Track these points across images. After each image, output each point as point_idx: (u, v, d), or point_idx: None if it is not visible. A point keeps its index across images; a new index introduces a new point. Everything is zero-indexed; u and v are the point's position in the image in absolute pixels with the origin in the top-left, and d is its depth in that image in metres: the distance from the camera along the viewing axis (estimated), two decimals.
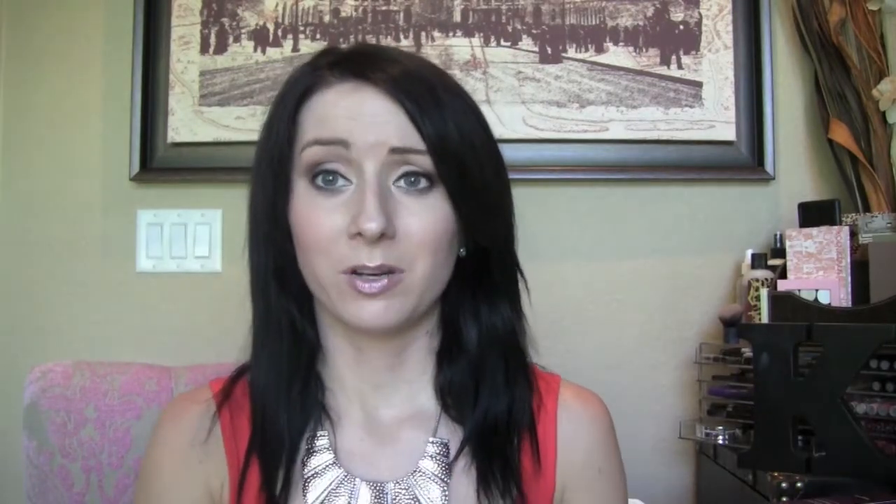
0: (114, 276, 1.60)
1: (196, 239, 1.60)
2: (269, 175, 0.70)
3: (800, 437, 1.09)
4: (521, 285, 0.76)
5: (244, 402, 0.74)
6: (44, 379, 1.00)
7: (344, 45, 0.73)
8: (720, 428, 1.33)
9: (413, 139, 0.66)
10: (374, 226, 0.63)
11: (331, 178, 0.67)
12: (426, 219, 0.67)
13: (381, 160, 0.66)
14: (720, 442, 1.33)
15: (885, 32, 1.50)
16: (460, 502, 0.71)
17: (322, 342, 0.74)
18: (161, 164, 1.59)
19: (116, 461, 0.99)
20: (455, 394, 0.74)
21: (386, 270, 0.65)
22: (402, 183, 0.67)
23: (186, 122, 1.58)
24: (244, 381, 0.75)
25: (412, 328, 0.73)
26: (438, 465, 0.72)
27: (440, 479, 0.71)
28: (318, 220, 0.66)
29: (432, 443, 0.73)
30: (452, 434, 0.73)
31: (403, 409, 0.74)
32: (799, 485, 1.05)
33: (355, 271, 0.65)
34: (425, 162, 0.66)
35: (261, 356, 0.73)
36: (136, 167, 1.58)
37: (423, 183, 0.67)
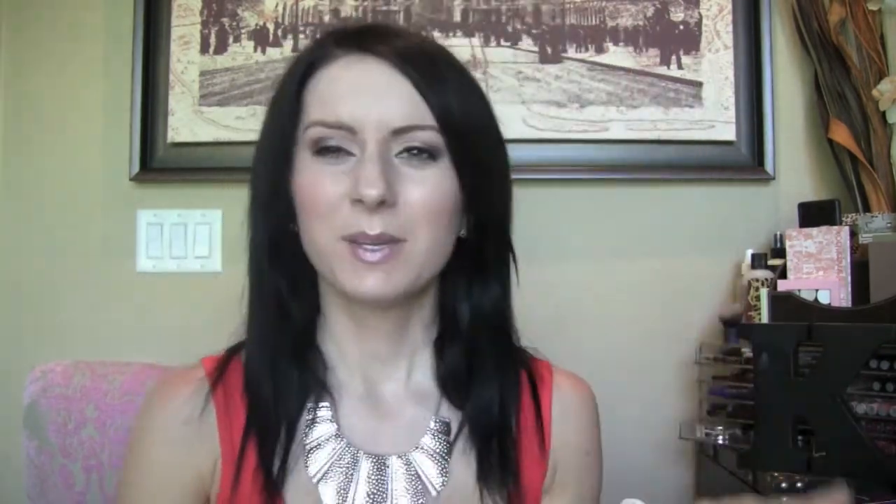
0: (114, 276, 1.60)
1: (196, 239, 1.60)
2: (274, 149, 0.71)
3: (800, 437, 1.08)
4: (512, 268, 0.78)
5: (238, 379, 0.74)
6: (44, 379, 1.00)
7: (351, 24, 0.75)
8: (720, 428, 1.33)
9: (416, 114, 0.67)
10: (375, 192, 0.64)
11: (335, 150, 0.68)
12: (427, 188, 0.68)
13: (384, 136, 0.67)
14: (720, 442, 1.33)
15: (885, 32, 1.50)
16: (460, 481, 0.72)
17: (324, 315, 0.75)
18: (161, 164, 1.59)
19: (117, 461, 0.99)
20: (453, 377, 0.75)
21: (386, 240, 0.66)
22: (404, 155, 0.68)
23: (186, 122, 1.58)
24: (237, 359, 0.75)
25: (410, 303, 0.74)
26: (440, 443, 0.73)
27: (441, 456, 0.72)
28: (321, 186, 0.67)
29: (435, 421, 0.74)
30: (452, 414, 0.75)
31: (403, 385, 0.76)
32: (799, 485, 1.05)
33: (355, 240, 0.66)
34: (428, 137, 0.68)
35: (253, 328, 0.74)
36: (136, 167, 1.58)
37: (426, 156, 0.68)
